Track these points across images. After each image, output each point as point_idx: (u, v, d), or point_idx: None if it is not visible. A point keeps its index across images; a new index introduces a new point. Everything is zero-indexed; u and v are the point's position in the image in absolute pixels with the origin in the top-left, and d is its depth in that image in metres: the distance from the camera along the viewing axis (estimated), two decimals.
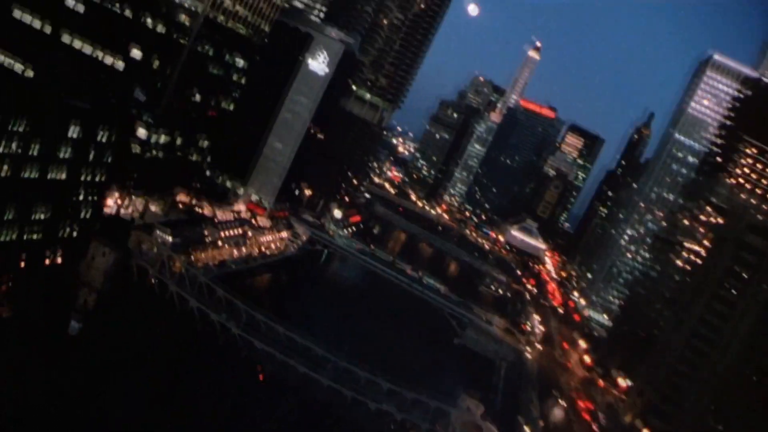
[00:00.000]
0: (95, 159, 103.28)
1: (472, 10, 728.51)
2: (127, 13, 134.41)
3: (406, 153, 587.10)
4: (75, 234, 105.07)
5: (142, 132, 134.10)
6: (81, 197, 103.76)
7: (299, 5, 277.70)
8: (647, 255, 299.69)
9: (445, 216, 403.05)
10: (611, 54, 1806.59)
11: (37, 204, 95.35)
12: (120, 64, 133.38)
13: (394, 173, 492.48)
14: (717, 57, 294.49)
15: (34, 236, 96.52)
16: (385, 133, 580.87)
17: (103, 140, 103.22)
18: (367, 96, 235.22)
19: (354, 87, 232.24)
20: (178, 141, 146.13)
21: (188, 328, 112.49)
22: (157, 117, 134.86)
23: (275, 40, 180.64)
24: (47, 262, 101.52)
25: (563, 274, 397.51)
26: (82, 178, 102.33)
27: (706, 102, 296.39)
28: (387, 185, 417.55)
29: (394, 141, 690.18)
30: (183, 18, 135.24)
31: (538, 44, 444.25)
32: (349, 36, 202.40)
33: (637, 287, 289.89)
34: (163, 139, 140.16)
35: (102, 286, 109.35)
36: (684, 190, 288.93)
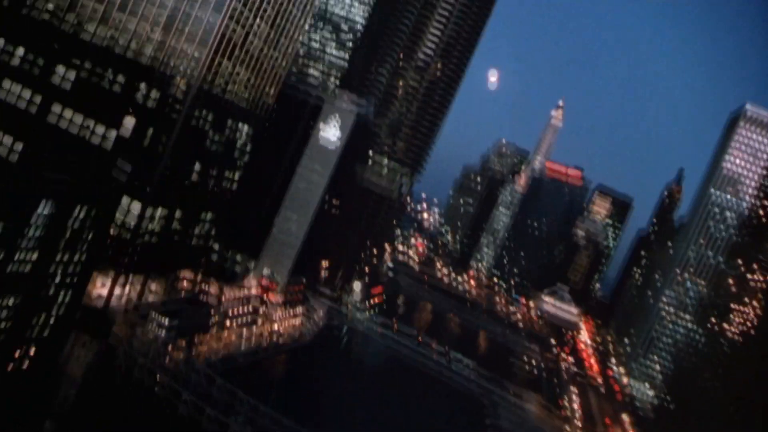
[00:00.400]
0: (72, 238, 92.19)
1: (492, 76, 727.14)
2: (120, 80, 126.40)
3: (432, 222, 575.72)
4: (51, 323, 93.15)
5: (135, 207, 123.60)
6: (57, 282, 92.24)
7: (315, 74, 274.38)
8: (690, 320, 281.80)
9: (474, 285, 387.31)
10: (638, 111, 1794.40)
11: (2, 294, 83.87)
12: (111, 137, 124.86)
13: (420, 243, 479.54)
14: (750, 109, 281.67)
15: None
16: (409, 201, 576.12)
17: (81, 216, 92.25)
18: (385, 162, 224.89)
19: (370, 153, 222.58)
20: (178, 216, 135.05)
21: (180, 428, 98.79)
22: (152, 191, 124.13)
23: (283, 108, 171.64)
24: (17, 355, 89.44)
25: (598, 340, 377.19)
26: (58, 260, 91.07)
27: (741, 156, 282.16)
28: (412, 255, 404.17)
29: (419, 209, 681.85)
30: (179, 85, 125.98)
31: (561, 104, 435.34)
32: (363, 102, 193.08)
33: (681, 357, 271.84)
34: (160, 214, 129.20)
35: (83, 380, 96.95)
36: (728, 250, 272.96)
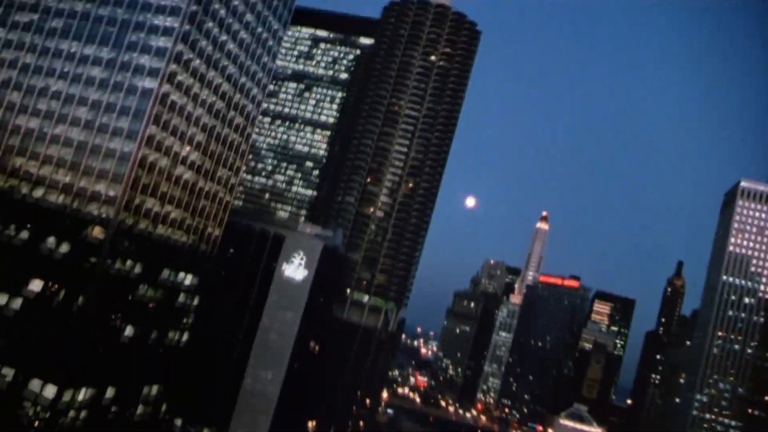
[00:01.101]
0: None
1: (469, 202, 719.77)
2: (23, 235, 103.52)
3: (430, 354, 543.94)
4: None
5: (50, 392, 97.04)
6: None
7: (283, 213, 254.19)
8: (730, 422, 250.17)
9: (485, 419, 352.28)
10: (628, 208, 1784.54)
11: None
12: (16, 305, 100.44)
13: (420, 379, 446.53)
14: (745, 185, 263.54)
15: None
16: (404, 337, 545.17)
17: None
18: (366, 298, 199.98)
19: (348, 290, 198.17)
20: (111, 396, 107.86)
21: None
22: (70, 368, 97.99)
23: (238, 246, 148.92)
24: None
25: None
26: None
27: (746, 236, 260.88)
28: (413, 395, 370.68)
29: (415, 343, 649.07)
30: (93, 232, 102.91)
31: (545, 214, 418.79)
32: (329, 232, 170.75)
33: None
34: (84, 397, 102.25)
35: None
36: (756, 338, 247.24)
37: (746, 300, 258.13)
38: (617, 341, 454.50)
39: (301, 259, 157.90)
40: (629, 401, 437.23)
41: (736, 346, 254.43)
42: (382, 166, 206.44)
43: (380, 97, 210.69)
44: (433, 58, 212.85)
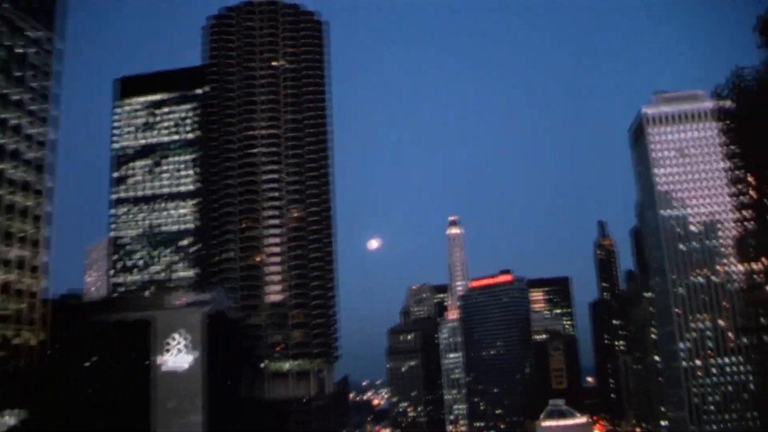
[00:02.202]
0: None
1: (371, 244, 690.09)
2: None
3: (383, 403, 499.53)
4: None
5: None
6: None
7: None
8: (729, 358, 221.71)
9: None
10: (537, 190, 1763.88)
11: None
12: None
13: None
14: (648, 111, 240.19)
15: None
16: (351, 395, 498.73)
17: None
18: (287, 365, 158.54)
19: (263, 363, 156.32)
20: None
21: None
22: None
23: (83, 351, 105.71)
24: None
25: None
26: None
27: (669, 162, 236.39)
28: None
29: (365, 397, 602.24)
30: None
31: (453, 219, 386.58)
32: (207, 294, 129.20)
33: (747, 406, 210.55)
34: None
35: None
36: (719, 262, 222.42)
37: (693, 228, 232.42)
38: (565, 323, 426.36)
39: (181, 340, 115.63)
40: (589, 378, 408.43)
41: (701, 279, 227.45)
42: (255, 203, 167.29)
43: (229, 126, 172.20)
44: (276, 63, 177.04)
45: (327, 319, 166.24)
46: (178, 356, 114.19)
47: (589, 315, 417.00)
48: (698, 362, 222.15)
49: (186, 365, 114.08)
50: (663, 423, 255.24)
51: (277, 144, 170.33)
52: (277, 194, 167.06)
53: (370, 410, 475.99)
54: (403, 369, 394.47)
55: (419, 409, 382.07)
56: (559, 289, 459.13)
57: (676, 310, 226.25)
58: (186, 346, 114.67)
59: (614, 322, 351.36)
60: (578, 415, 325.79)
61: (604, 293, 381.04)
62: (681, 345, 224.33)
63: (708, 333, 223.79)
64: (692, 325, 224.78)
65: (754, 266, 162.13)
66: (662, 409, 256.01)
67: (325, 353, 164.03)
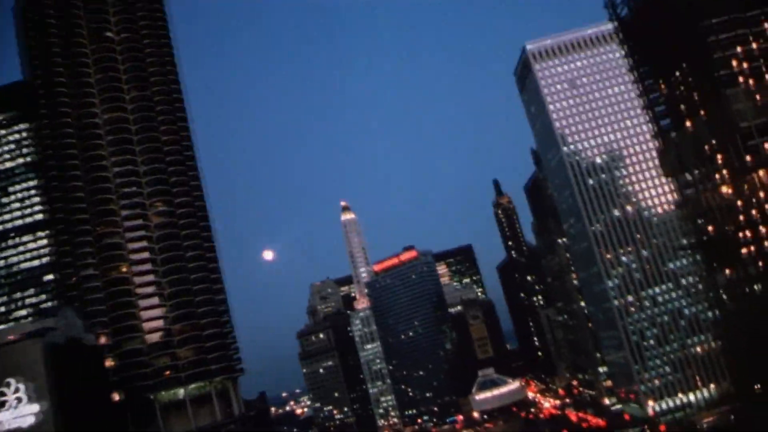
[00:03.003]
0: None
1: (267, 255, 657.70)
2: None
3: (307, 411, 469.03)
4: None
5: None
6: None
7: None
8: (660, 289, 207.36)
9: None
10: (421, 159, 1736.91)
11: None
12: None
13: None
14: (531, 46, 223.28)
15: None
16: (273, 410, 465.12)
17: None
18: (181, 392, 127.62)
19: (151, 395, 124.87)
20: None
21: None
22: None
23: None
24: None
25: (562, 392, 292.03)
26: None
27: (561, 99, 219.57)
28: None
29: (288, 408, 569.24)
30: None
31: (344, 203, 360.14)
32: (50, 320, 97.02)
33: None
34: None
35: None
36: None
37: (598, 160, 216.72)
38: (477, 291, 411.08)
39: (20, 386, 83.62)
40: (512, 343, 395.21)
41: (617, 212, 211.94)
42: (109, 203, 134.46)
43: (64, 117, 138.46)
44: (110, 33, 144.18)
45: (221, 329, 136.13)
46: (18, 409, 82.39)
47: (498, 278, 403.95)
48: (630, 298, 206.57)
49: (31, 420, 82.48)
50: (601, 369, 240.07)
51: (124, 129, 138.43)
52: (133, 189, 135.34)
53: (294, 422, 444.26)
54: (320, 371, 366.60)
55: (345, 409, 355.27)
56: (463, 259, 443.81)
57: (598, 249, 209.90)
58: (28, 393, 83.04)
59: (528, 278, 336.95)
60: (510, 380, 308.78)
61: (512, 253, 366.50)
62: (609, 283, 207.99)
63: (634, 266, 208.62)
64: (617, 261, 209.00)
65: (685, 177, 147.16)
66: (598, 355, 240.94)
67: (226, 369, 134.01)
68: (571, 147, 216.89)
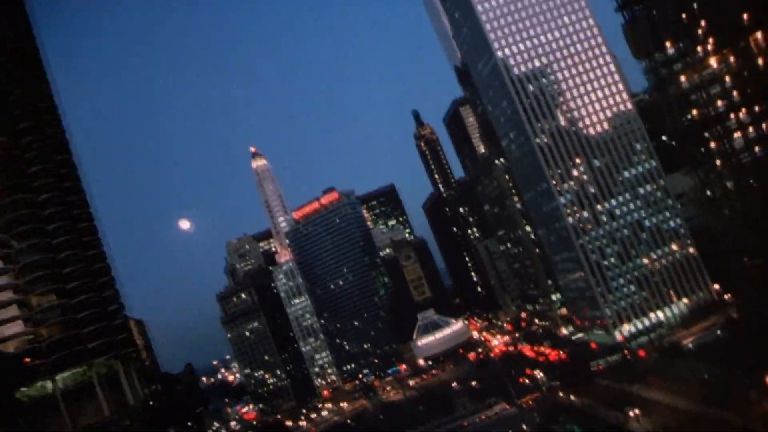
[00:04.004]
0: None
1: (184, 224, 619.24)
2: None
3: (239, 377, 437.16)
4: None
5: None
6: None
7: None
8: (616, 201, 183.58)
9: (344, 405, 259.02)
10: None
11: None
12: None
13: (245, 411, 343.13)
14: None
15: None
16: (204, 379, 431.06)
17: None
18: (49, 385, 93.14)
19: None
20: None
21: None
22: None
23: None
24: None
25: (509, 327, 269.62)
26: None
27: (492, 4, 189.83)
28: None
29: (220, 376, 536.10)
30: None
31: (253, 149, 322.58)
32: None
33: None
34: None
35: None
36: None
37: (537, 63, 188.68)
38: (405, 232, 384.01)
39: None
40: (449, 282, 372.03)
41: (563, 121, 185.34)
42: None
43: None
44: None
45: (98, 294, 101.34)
46: None
47: (426, 216, 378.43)
48: (585, 214, 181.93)
49: None
50: (555, 297, 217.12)
51: None
52: None
53: (227, 390, 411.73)
54: (247, 334, 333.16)
55: (278, 372, 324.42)
56: (387, 200, 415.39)
57: (545, 163, 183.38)
58: None
59: (461, 210, 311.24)
60: (453, 321, 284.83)
61: (440, 186, 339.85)
62: (561, 200, 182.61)
63: (586, 178, 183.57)
64: (567, 175, 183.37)
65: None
66: (549, 282, 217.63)
67: (111, 346, 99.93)
68: (506, 51, 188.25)
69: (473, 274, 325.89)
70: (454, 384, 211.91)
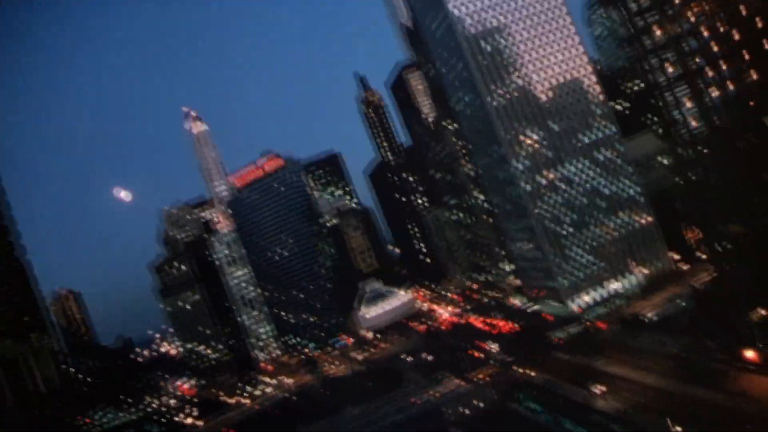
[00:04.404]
0: None
1: (125, 196, 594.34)
2: None
3: (181, 351, 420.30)
4: None
5: None
6: None
7: None
8: (575, 167, 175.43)
9: (287, 380, 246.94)
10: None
11: None
12: None
13: (186, 386, 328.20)
14: None
15: None
16: (147, 352, 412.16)
17: None
18: None
19: None
20: None
21: None
22: None
23: None
24: None
25: (457, 298, 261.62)
26: None
27: None
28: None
29: (162, 350, 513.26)
30: None
31: (193, 113, 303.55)
32: None
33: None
34: None
35: None
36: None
37: (494, 21, 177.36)
38: (348, 200, 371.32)
39: None
40: (397, 250, 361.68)
41: (519, 81, 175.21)
42: None
43: None
44: None
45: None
46: None
47: (370, 185, 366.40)
48: (541, 180, 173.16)
49: None
50: (507, 267, 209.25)
51: None
52: None
53: (165, 364, 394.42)
54: (186, 306, 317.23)
55: (219, 347, 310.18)
56: (330, 169, 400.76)
57: (501, 126, 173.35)
58: None
59: (408, 178, 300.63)
60: (400, 292, 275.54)
61: (386, 153, 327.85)
62: (518, 165, 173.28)
63: (545, 143, 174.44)
64: (523, 138, 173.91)
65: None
66: (502, 252, 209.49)
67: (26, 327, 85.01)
68: (462, 8, 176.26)
69: (420, 243, 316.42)
70: (404, 356, 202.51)
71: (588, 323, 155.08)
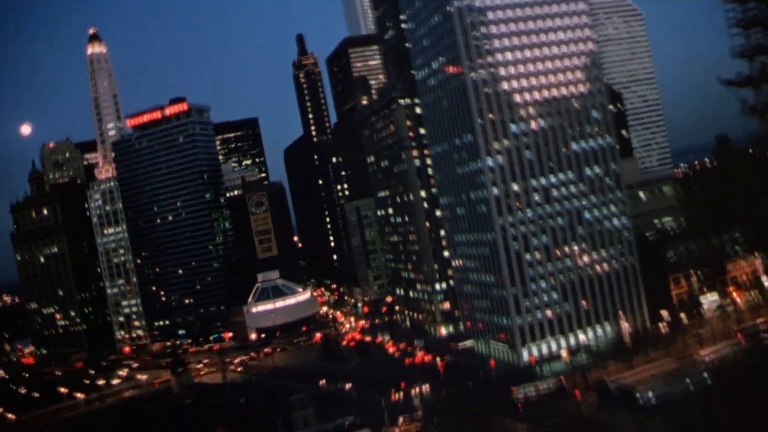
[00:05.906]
0: None
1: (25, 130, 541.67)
2: None
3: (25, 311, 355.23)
4: None
5: None
6: None
7: None
8: (557, 179, 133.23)
9: (142, 377, 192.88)
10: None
11: None
12: None
13: (27, 352, 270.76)
14: None
15: None
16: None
17: None
18: None
19: None
20: None
21: None
22: None
23: None
24: None
25: (366, 309, 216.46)
26: None
27: None
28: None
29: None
30: None
31: (92, 31, 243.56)
32: None
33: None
34: None
35: None
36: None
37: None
38: (258, 172, 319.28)
39: None
40: (298, 242, 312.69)
41: (509, 56, 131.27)
42: None
43: None
44: None
45: None
46: None
47: (287, 161, 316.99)
48: (515, 187, 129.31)
49: None
50: (439, 286, 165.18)
51: None
52: None
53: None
54: (41, 259, 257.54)
55: (72, 314, 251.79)
56: (246, 135, 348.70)
57: (477, 109, 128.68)
58: None
59: (333, 160, 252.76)
60: (300, 290, 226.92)
61: (312, 128, 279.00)
62: (489, 161, 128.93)
63: (525, 140, 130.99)
64: (502, 128, 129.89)
65: None
66: (436, 266, 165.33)
67: None
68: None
69: (331, 237, 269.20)
70: (294, 378, 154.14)
71: (561, 377, 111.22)
